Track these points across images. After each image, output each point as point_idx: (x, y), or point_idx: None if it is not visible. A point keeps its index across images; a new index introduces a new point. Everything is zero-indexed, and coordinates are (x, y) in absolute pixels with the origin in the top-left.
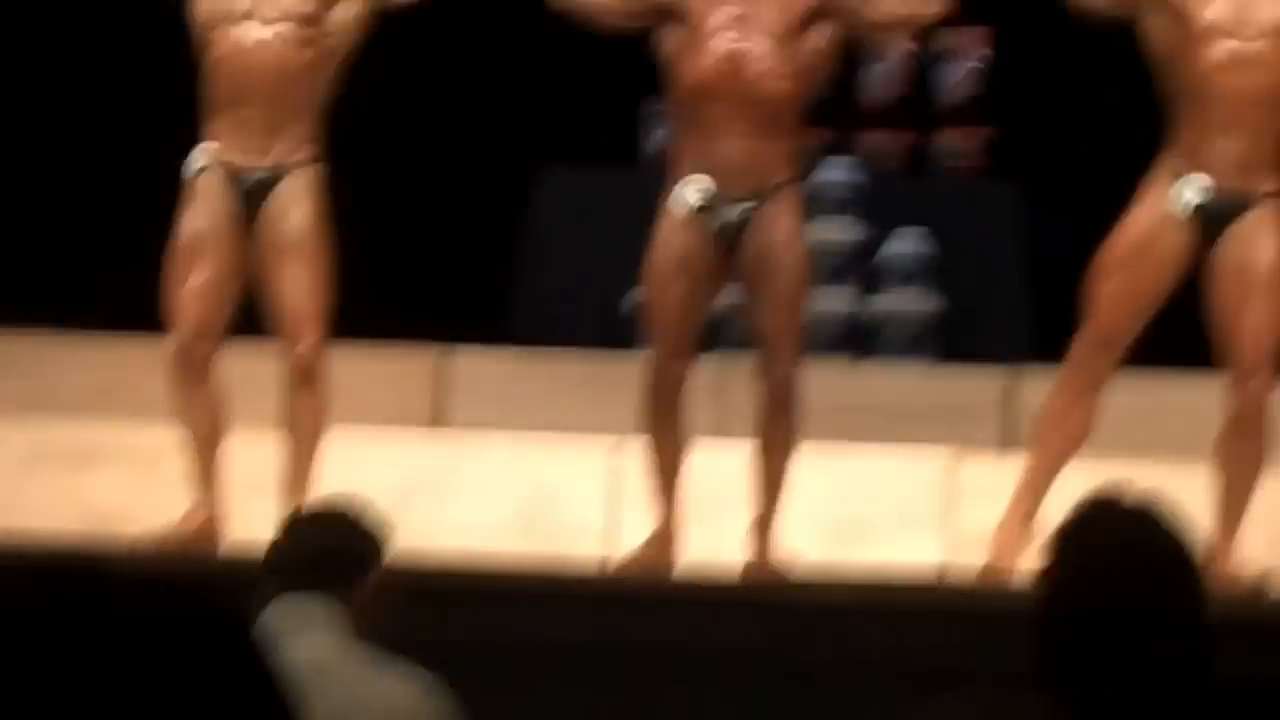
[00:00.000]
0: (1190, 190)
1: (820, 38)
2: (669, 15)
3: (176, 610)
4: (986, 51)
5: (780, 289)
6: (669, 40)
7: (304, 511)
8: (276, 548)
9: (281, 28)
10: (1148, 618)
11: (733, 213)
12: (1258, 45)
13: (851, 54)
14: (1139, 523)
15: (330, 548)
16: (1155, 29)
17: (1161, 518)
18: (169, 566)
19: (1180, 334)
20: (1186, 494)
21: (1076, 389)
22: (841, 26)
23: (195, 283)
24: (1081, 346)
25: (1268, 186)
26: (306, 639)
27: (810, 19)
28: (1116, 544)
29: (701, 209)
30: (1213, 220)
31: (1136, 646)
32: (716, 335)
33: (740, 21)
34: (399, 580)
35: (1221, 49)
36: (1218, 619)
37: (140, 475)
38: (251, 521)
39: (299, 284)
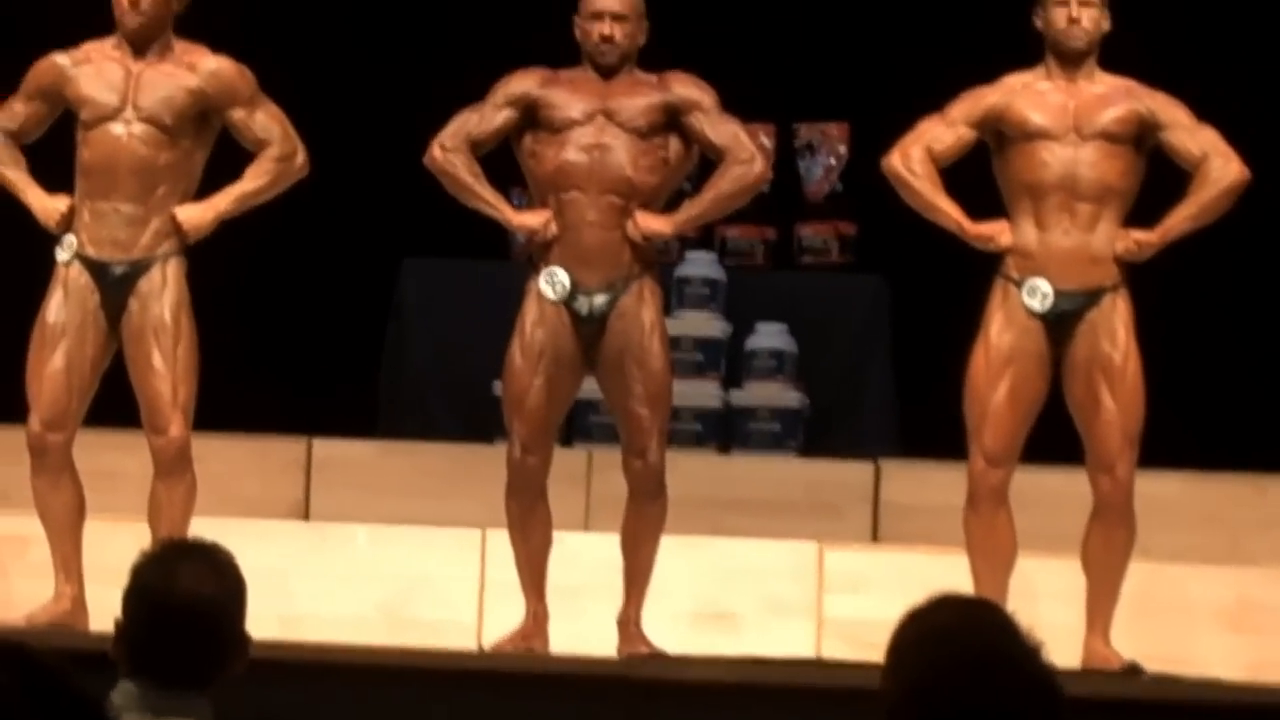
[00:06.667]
0: (1036, 295)
1: (678, 138)
2: (531, 110)
3: (36, 691)
4: (845, 146)
5: (644, 380)
6: (530, 134)
7: (165, 569)
8: (134, 614)
9: (144, 128)
10: None
11: (592, 303)
12: (1087, 145)
13: None
14: (983, 631)
15: (195, 638)
16: (993, 141)
17: (1005, 625)
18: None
19: (1040, 429)
20: (1055, 585)
21: (985, 513)
22: (688, 134)
23: (52, 373)
24: (976, 469)
25: (1107, 281)
26: None
27: (668, 118)
28: (962, 654)
29: (561, 300)
30: (1061, 320)
31: None
32: (583, 425)
33: (601, 116)
34: (263, 664)
35: (1048, 152)
36: (1093, 703)
37: (4, 564)
38: (115, 611)
39: (162, 374)
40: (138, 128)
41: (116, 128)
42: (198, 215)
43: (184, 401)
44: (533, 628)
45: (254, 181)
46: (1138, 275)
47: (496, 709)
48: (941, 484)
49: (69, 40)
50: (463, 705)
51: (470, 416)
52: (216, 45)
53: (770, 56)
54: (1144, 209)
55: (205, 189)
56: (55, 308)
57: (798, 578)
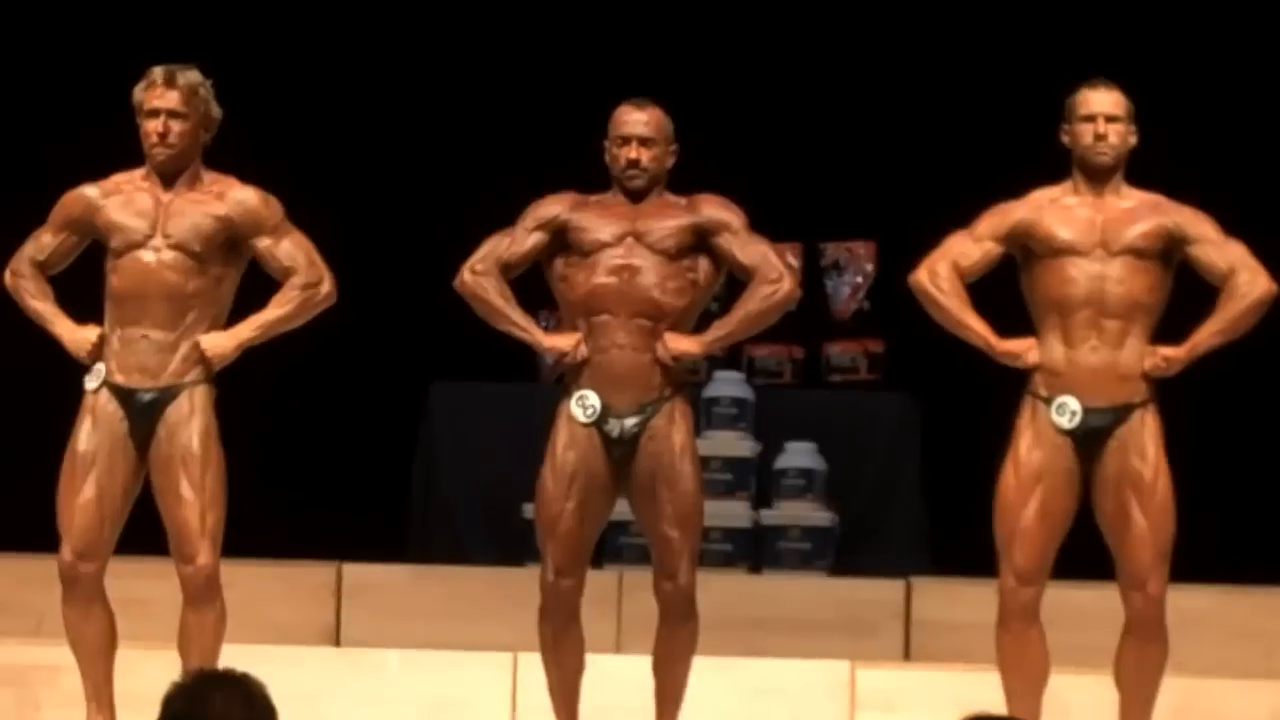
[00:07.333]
0: (1065, 413)
1: (707, 259)
2: (561, 234)
3: None
4: (872, 264)
5: (675, 502)
6: (560, 257)
7: (196, 699)
8: None
9: (174, 254)
10: None
11: (623, 426)
12: (1114, 261)
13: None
14: None
15: None
16: (1020, 256)
17: None
18: None
19: (1071, 546)
20: (1088, 702)
21: (1017, 631)
22: (717, 255)
23: (83, 503)
24: (1007, 587)
25: (1136, 397)
26: None
27: (697, 240)
28: None
29: (592, 422)
30: (1090, 437)
31: None
32: (613, 546)
33: (630, 238)
34: None
35: (1075, 268)
36: None
37: (36, 694)
38: None
39: (189, 503)
40: (167, 254)
41: (146, 254)
42: (221, 344)
43: (212, 529)
44: None
45: (278, 310)
46: (1166, 390)
47: None
48: (973, 601)
49: (98, 173)
50: None
51: (502, 540)
52: (248, 172)
53: (796, 176)
54: (1173, 323)
55: (240, 315)
56: (85, 436)
57: (830, 697)
